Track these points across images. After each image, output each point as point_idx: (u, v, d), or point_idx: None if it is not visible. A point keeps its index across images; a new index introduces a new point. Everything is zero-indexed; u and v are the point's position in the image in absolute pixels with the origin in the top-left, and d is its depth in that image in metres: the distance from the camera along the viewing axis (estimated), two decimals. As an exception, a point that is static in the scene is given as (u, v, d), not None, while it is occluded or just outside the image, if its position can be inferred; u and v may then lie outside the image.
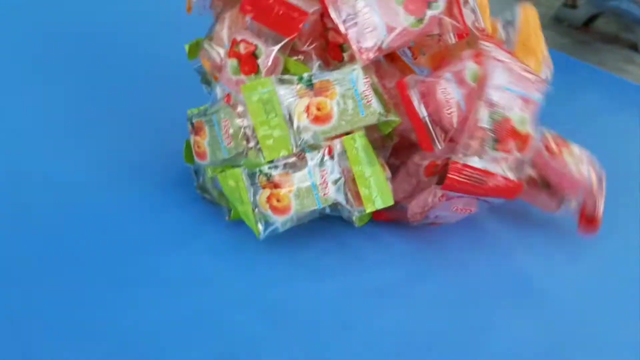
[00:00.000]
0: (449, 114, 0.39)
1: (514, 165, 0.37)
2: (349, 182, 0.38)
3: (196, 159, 0.42)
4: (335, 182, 0.38)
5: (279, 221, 0.38)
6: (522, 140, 0.37)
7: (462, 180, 0.37)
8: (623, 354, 0.37)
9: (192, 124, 0.41)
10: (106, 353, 0.32)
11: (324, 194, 0.38)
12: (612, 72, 0.69)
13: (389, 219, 0.43)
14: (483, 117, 0.36)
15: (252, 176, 0.39)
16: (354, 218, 0.39)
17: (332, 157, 0.38)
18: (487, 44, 0.40)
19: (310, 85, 0.38)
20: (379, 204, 0.38)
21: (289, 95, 0.38)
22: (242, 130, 0.38)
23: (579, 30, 0.81)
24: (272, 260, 0.39)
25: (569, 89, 0.60)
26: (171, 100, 0.49)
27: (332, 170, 0.38)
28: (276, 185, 0.38)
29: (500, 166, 0.37)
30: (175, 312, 0.35)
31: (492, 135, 0.37)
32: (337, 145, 0.39)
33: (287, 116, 0.38)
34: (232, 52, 0.40)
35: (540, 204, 0.45)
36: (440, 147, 0.39)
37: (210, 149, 0.41)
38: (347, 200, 0.38)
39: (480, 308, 0.39)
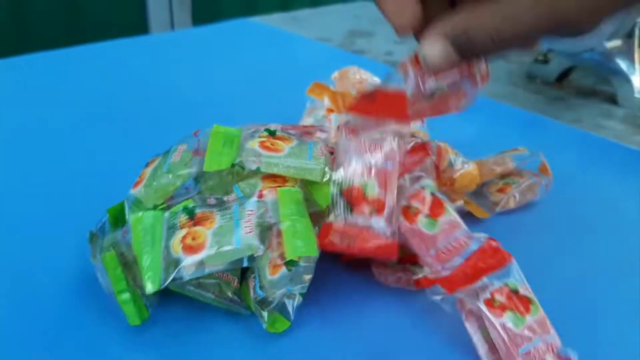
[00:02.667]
0: None
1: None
2: (275, 230, 0.33)
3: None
4: (260, 225, 0.32)
5: (188, 263, 0.31)
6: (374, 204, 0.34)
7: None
8: None
9: None
10: None
11: (247, 233, 0.32)
12: (590, 129, 0.64)
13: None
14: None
15: (173, 215, 0.34)
16: (264, 315, 0.33)
17: (262, 202, 0.34)
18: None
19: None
20: (302, 252, 0.32)
21: None
22: None
23: (553, 86, 0.76)
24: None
25: (544, 151, 0.55)
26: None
27: (260, 215, 0.33)
28: (196, 223, 0.33)
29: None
30: None
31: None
32: (270, 193, 0.34)
33: None
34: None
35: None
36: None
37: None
38: (268, 246, 0.32)
39: None
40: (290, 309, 0.34)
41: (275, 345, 0.34)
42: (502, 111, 0.66)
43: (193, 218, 0.34)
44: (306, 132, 0.41)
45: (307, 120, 0.57)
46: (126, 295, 0.35)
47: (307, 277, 0.34)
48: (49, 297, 0.36)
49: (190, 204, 0.35)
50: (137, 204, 0.36)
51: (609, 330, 0.36)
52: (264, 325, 0.34)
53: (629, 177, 0.53)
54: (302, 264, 0.33)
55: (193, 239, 0.33)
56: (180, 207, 0.35)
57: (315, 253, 0.33)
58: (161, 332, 0.34)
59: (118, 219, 0.38)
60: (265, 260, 0.33)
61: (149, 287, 0.32)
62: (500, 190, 0.47)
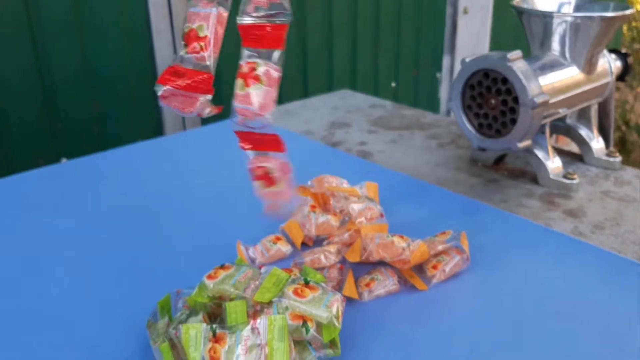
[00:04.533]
0: None
1: None
2: (263, 351, 0.50)
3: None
4: (252, 348, 0.50)
5: None
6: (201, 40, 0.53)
7: None
8: None
9: None
10: None
11: (244, 353, 0.50)
12: (512, 208, 0.82)
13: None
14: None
15: (205, 330, 0.51)
16: None
17: (255, 329, 0.51)
18: None
19: None
20: None
21: None
22: None
23: (491, 167, 0.95)
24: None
25: (474, 229, 0.73)
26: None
27: (253, 339, 0.50)
28: (217, 341, 0.51)
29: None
30: None
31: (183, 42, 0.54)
32: (261, 321, 0.51)
33: None
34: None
35: None
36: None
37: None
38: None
39: None
40: None
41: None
42: (446, 198, 0.85)
43: (215, 335, 0.52)
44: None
45: (297, 215, 0.76)
46: None
47: None
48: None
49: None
50: (203, 287, 0.55)
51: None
52: None
53: (537, 249, 0.72)
54: None
55: (214, 352, 0.51)
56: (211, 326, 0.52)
57: None
58: None
59: (164, 307, 0.57)
60: None
61: None
62: (434, 267, 0.66)
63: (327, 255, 0.67)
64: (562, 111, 0.89)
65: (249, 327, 0.51)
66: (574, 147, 1.01)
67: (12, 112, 1.43)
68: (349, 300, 0.61)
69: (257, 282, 0.56)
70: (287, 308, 0.53)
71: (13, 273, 0.68)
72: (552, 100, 0.84)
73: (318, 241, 0.74)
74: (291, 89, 1.94)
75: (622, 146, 3.17)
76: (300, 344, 0.54)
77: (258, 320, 0.51)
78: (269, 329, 0.51)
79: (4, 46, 1.42)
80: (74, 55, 1.51)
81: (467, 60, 0.87)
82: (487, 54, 0.86)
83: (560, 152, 1.00)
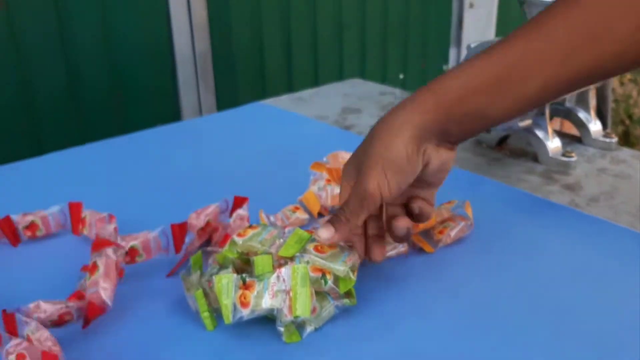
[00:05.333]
0: None
1: None
2: (287, 296, 0.57)
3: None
4: (278, 292, 0.57)
5: (245, 313, 0.56)
6: None
7: None
8: None
9: None
10: None
11: (270, 297, 0.57)
12: (514, 183, 0.88)
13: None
14: None
15: (236, 279, 0.57)
16: (281, 329, 0.57)
17: (279, 277, 0.57)
18: None
19: None
20: (300, 313, 0.57)
21: None
22: None
23: (494, 148, 1.01)
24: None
25: (478, 201, 0.79)
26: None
27: (279, 286, 0.57)
28: (247, 288, 0.57)
29: None
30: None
31: None
32: (285, 270, 0.58)
33: None
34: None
35: None
36: None
37: None
38: (283, 306, 0.57)
39: None
40: (305, 332, 0.58)
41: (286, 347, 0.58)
42: (452, 173, 0.90)
43: (245, 283, 0.58)
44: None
45: (313, 188, 0.82)
46: (206, 314, 0.60)
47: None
48: (160, 309, 0.62)
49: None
50: (233, 244, 0.61)
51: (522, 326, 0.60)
52: (283, 338, 0.58)
53: (536, 218, 0.78)
54: (301, 317, 0.57)
55: (245, 297, 0.57)
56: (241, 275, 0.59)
57: (307, 314, 0.57)
58: (223, 335, 0.59)
59: (196, 263, 0.63)
60: (282, 310, 0.57)
61: (227, 321, 0.57)
62: (440, 232, 0.72)
63: None
64: (561, 94, 0.95)
65: (274, 274, 0.57)
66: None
67: (37, 97, 1.51)
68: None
69: (281, 240, 0.62)
70: (308, 262, 0.59)
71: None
72: (551, 83, 0.90)
73: (333, 211, 0.80)
74: (303, 78, 2.00)
75: (626, 140, 3.21)
76: (319, 294, 0.60)
77: (283, 269, 0.57)
78: (293, 276, 0.57)
79: (31, 35, 1.49)
80: (97, 42, 1.58)
81: (473, 45, 0.93)
82: (491, 39, 0.92)
83: (559, 134, 1.05)
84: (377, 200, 0.56)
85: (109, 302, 0.59)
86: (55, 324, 0.56)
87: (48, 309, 0.56)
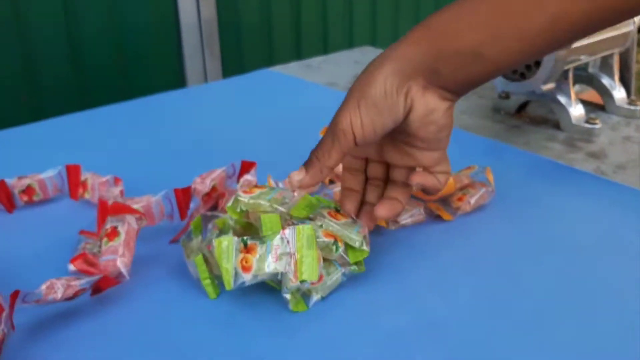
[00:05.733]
0: None
1: None
2: (292, 259, 0.53)
3: None
4: (282, 255, 0.53)
5: (247, 278, 0.52)
6: None
7: None
8: None
9: None
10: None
11: (274, 261, 0.52)
12: (535, 150, 0.84)
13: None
14: None
15: (237, 242, 0.53)
16: (287, 296, 0.53)
17: (283, 239, 0.53)
18: None
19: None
20: (306, 277, 0.52)
21: None
22: None
23: (513, 116, 0.97)
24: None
25: (499, 168, 0.75)
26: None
27: (283, 248, 0.53)
28: (248, 251, 0.53)
29: None
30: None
31: None
32: (289, 231, 0.53)
33: None
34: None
35: None
36: None
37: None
38: (288, 270, 0.52)
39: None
40: (311, 301, 0.55)
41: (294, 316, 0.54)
42: (471, 140, 0.86)
43: (246, 247, 0.54)
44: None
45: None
46: (207, 281, 0.56)
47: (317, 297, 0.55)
48: (162, 276, 0.59)
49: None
50: (237, 201, 0.56)
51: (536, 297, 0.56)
52: (290, 306, 0.54)
53: (560, 185, 0.74)
54: (308, 281, 0.53)
55: (246, 261, 0.53)
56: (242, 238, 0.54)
57: (314, 278, 0.53)
58: (227, 303, 0.55)
59: (197, 228, 0.60)
60: (288, 274, 0.53)
61: (227, 287, 0.53)
62: (459, 199, 0.68)
63: None
64: (583, 58, 0.90)
65: (278, 236, 0.53)
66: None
67: (40, 63, 1.47)
68: (375, 228, 0.63)
69: (290, 202, 0.58)
70: (321, 226, 0.55)
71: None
72: (574, 46, 0.85)
73: (345, 178, 0.76)
74: (312, 46, 1.95)
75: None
76: (326, 260, 0.56)
77: (287, 230, 0.53)
78: (298, 238, 0.53)
79: (35, 1, 1.45)
80: (101, 9, 1.53)
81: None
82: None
83: (582, 101, 1.00)
84: (349, 137, 0.50)
85: (126, 274, 0.55)
86: (69, 299, 0.52)
87: (60, 289, 0.51)
